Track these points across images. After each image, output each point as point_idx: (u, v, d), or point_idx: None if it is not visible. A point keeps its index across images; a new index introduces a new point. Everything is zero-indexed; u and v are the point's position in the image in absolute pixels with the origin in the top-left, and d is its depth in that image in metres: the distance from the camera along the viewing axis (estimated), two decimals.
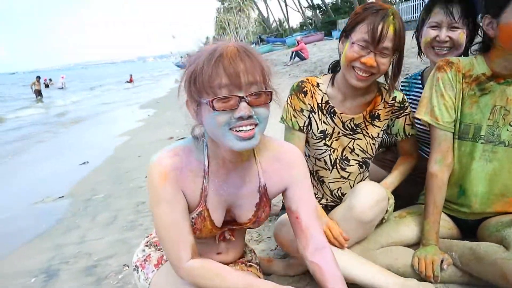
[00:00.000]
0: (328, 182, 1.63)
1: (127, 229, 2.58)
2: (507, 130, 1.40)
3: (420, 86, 1.83)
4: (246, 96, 0.93)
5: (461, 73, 1.45)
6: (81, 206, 3.28)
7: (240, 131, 0.95)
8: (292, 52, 13.78)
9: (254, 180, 1.16)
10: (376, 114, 1.57)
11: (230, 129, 0.95)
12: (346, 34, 1.46)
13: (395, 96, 1.57)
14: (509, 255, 1.22)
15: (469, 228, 1.55)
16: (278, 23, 53.50)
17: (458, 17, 1.60)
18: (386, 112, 1.58)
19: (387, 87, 1.56)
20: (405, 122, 1.58)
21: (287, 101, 1.57)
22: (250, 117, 0.94)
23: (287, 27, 47.35)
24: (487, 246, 1.33)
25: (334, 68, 1.60)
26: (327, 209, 1.63)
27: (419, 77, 1.86)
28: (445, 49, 1.65)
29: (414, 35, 1.79)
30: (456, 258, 1.41)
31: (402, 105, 1.58)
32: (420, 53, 1.79)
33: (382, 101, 1.57)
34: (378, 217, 1.46)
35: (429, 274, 1.38)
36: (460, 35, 1.62)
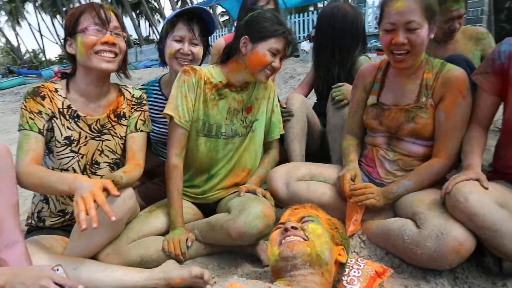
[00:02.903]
0: None
1: None
2: (240, 125, 1.76)
3: (158, 91, 2.02)
4: None
5: (202, 79, 1.70)
6: None
7: None
8: None
9: None
10: (121, 113, 1.64)
11: None
12: (71, 33, 1.49)
13: (134, 94, 1.69)
14: (229, 217, 1.51)
15: (210, 211, 1.80)
16: (32, 54, 47.89)
17: (198, 35, 1.87)
18: (130, 109, 1.67)
19: (127, 88, 1.68)
20: (139, 116, 1.67)
21: (22, 106, 1.48)
22: None
23: (43, 59, 42.93)
24: (216, 216, 1.61)
25: (66, 74, 1.60)
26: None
27: (157, 84, 2.05)
28: (187, 61, 1.88)
29: (157, 46, 1.98)
30: (198, 234, 1.63)
31: (139, 101, 1.69)
32: (162, 62, 1.99)
33: (125, 100, 1.66)
34: (126, 215, 1.52)
35: (178, 253, 1.54)
36: (199, 50, 1.90)
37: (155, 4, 33.03)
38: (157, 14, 36.10)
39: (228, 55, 1.74)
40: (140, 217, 1.66)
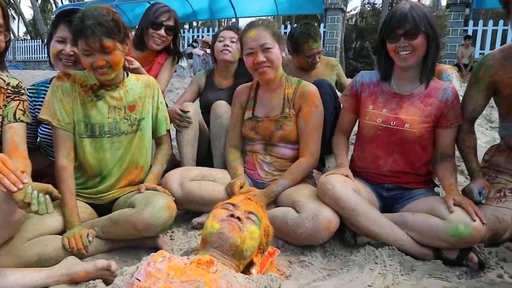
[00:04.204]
0: None
1: None
2: (124, 123, 1.79)
3: None
4: None
5: (77, 83, 1.73)
6: None
7: None
8: None
9: None
10: None
11: None
12: None
13: (9, 82, 1.60)
14: (135, 210, 1.59)
15: (105, 210, 1.80)
16: None
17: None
18: (5, 98, 1.57)
19: (0, 76, 1.57)
20: (18, 106, 1.59)
21: None
22: None
23: None
24: (119, 212, 1.67)
25: None
26: None
27: (48, 84, 2.01)
28: (70, 62, 1.90)
29: (46, 46, 1.94)
30: (98, 230, 1.66)
31: (17, 90, 1.61)
32: (49, 61, 1.96)
33: None
34: (24, 214, 1.45)
35: (80, 247, 1.55)
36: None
37: None
38: (10, 8, 31.73)
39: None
40: (33, 217, 1.59)
